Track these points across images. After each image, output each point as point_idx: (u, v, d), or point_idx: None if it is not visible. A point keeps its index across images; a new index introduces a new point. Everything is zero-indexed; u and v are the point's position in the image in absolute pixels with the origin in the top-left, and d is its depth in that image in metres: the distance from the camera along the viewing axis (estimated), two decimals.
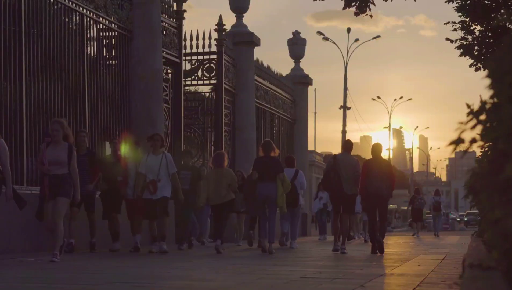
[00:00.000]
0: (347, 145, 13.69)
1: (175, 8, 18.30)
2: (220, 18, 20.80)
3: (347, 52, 45.17)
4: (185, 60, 19.45)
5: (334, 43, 44.23)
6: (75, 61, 14.25)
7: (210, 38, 20.56)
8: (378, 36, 47.46)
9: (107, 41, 15.73)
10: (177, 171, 13.15)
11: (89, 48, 15.00)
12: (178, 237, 14.50)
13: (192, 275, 7.71)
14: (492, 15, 14.00)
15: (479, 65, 15.53)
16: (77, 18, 14.49)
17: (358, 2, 13.18)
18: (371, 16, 13.32)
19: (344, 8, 13.39)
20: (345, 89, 45.56)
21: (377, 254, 12.44)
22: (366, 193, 12.71)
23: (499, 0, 14.53)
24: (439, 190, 30.79)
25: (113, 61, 16.03)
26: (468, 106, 3.01)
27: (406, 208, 59.86)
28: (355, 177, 12.91)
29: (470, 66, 15.70)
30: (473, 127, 2.94)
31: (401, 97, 65.64)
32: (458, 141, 2.91)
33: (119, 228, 12.97)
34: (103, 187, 13.04)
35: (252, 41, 22.27)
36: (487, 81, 2.90)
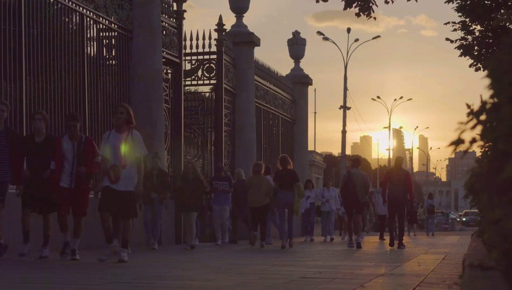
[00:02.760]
0: (356, 161, 16.49)
1: (175, 8, 18.31)
2: (220, 18, 20.81)
3: (347, 52, 45.20)
4: (185, 60, 19.46)
5: (334, 43, 44.26)
6: (75, 61, 14.26)
7: (210, 38, 20.59)
8: (378, 36, 47.46)
9: (107, 41, 15.74)
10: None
11: (89, 48, 15.01)
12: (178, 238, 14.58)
13: (192, 275, 7.71)
14: (492, 15, 14.00)
15: (479, 65, 15.52)
16: (77, 18, 14.50)
17: (359, 2, 13.15)
18: (374, 18, 13.29)
19: (345, 8, 13.38)
20: (345, 89, 45.56)
21: (393, 247, 15.43)
22: (387, 197, 15.50)
23: (499, 0, 14.52)
24: (432, 193, 32.21)
25: (113, 61, 16.04)
26: (468, 106, 3.01)
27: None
28: (366, 188, 15.80)
29: (470, 66, 15.69)
30: (473, 127, 2.94)
31: (401, 97, 65.67)
32: (458, 142, 2.91)
33: (48, 229, 10.47)
34: (26, 175, 10.23)
35: (252, 41, 22.28)
36: (487, 81, 2.90)
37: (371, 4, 13.18)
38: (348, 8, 13.35)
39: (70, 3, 14.09)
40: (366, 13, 13.17)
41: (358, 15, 13.38)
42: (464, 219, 59.53)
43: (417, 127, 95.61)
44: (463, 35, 15.46)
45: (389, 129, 68.41)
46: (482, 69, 15.52)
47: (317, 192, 21.95)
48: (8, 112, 10.41)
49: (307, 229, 21.84)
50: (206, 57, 20.72)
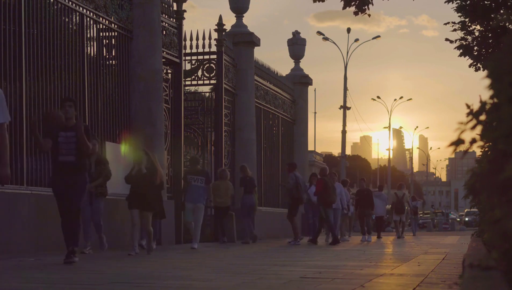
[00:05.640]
0: (292, 165, 18.99)
1: (175, 8, 18.31)
2: (220, 18, 20.81)
3: (347, 52, 45.20)
4: (185, 60, 19.46)
5: (334, 43, 44.25)
6: (75, 61, 14.26)
7: (210, 38, 20.59)
8: (378, 36, 47.47)
9: (107, 41, 15.73)
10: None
11: (89, 48, 15.00)
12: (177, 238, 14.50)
13: (192, 275, 7.72)
14: (492, 15, 14.00)
15: (479, 65, 15.52)
16: (77, 18, 14.50)
17: (357, 1, 13.18)
18: (369, 15, 13.32)
19: (344, 8, 13.40)
20: (345, 89, 45.56)
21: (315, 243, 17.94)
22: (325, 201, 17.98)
23: (499, 0, 14.52)
24: (415, 196, 32.93)
25: (113, 61, 16.03)
26: (468, 106, 3.01)
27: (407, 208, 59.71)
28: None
29: (470, 66, 15.70)
30: (473, 127, 2.94)
31: (401, 97, 65.72)
32: (458, 142, 2.91)
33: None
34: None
35: (252, 41, 22.28)
36: (487, 81, 2.91)
37: (367, 3, 13.20)
38: (347, 7, 13.37)
39: (70, 3, 14.08)
40: (361, 9, 13.19)
41: (356, 13, 13.41)
42: (466, 219, 58.69)
43: (417, 127, 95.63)
44: (462, 35, 15.47)
45: (389, 129, 68.42)
46: (482, 69, 15.53)
47: None
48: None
49: (308, 229, 20.72)
50: (206, 57, 20.72)
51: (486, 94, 2.97)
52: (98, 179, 12.33)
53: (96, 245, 12.41)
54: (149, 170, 12.11)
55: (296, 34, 28.87)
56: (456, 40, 15.53)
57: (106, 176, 12.52)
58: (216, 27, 20.67)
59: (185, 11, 18.52)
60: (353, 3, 13.26)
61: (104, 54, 15.66)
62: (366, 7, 13.19)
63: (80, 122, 9.45)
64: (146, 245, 12.31)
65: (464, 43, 15.43)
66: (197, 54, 20.59)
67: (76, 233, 9.20)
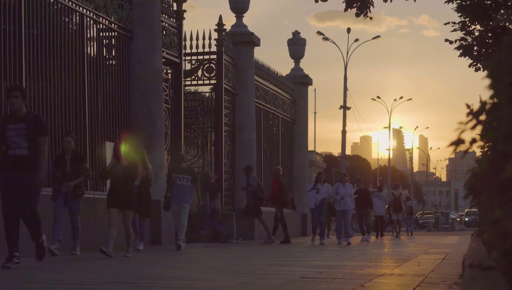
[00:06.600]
0: (248, 169, 19.22)
1: (175, 8, 18.31)
2: (220, 18, 20.81)
3: (347, 52, 45.19)
4: (185, 60, 19.47)
5: (334, 43, 44.24)
6: (75, 61, 14.26)
7: (210, 38, 20.60)
8: (378, 36, 47.46)
9: (107, 41, 15.74)
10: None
11: (89, 48, 15.01)
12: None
13: (192, 275, 7.72)
14: (493, 15, 14.00)
15: (478, 65, 15.52)
16: (77, 18, 14.50)
17: (359, 3, 13.20)
18: (370, 18, 13.37)
19: (346, 9, 13.43)
20: (345, 89, 45.55)
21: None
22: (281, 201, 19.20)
23: (499, 0, 14.52)
24: (410, 197, 33.19)
25: (113, 61, 16.04)
26: (468, 106, 3.01)
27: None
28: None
29: (470, 66, 15.70)
30: (473, 127, 2.94)
31: (401, 97, 65.69)
32: (458, 142, 2.91)
33: None
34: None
35: (252, 41, 22.28)
36: (487, 81, 2.91)
37: (368, 5, 13.24)
38: (349, 9, 13.39)
39: (70, 3, 14.09)
40: (363, 12, 13.24)
41: (357, 15, 13.45)
42: (466, 219, 58.55)
43: (417, 127, 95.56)
44: (462, 35, 15.47)
45: (389, 129, 68.41)
46: (482, 69, 15.52)
47: (329, 188, 18.92)
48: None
49: (315, 230, 19.51)
50: (206, 57, 20.73)
51: (486, 94, 2.97)
52: (76, 179, 11.47)
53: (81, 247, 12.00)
54: (130, 165, 11.24)
55: (296, 34, 28.87)
56: (456, 41, 15.53)
57: (88, 175, 11.83)
58: (216, 27, 20.67)
59: (185, 11, 18.53)
60: (355, 5, 13.29)
61: (104, 54, 15.67)
62: (367, 9, 13.22)
63: (32, 113, 8.65)
64: (126, 247, 11.26)
65: (464, 43, 15.43)
66: (197, 54, 20.60)
67: (37, 229, 8.44)
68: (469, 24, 15.29)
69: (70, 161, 11.46)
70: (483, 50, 15.35)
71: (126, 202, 10.99)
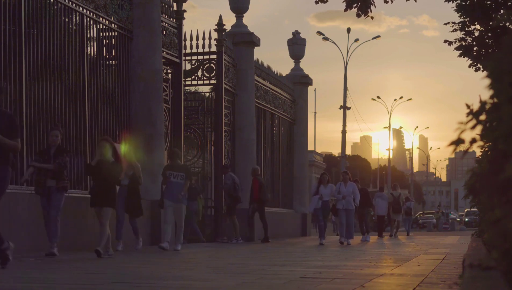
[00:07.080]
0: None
1: (175, 8, 18.31)
2: (220, 18, 20.81)
3: (347, 52, 45.19)
4: (185, 60, 19.46)
5: (334, 43, 44.24)
6: (75, 61, 14.26)
7: (210, 38, 20.59)
8: (378, 36, 47.46)
9: (107, 41, 15.74)
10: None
11: (89, 48, 15.01)
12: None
13: (192, 275, 7.72)
14: (493, 15, 14.00)
15: (478, 65, 15.53)
16: (77, 18, 14.50)
17: (359, 3, 13.21)
18: (372, 17, 13.38)
19: (346, 10, 13.44)
20: (345, 89, 45.55)
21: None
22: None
23: (499, 0, 14.52)
24: (409, 197, 33.28)
25: (113, 61, 16.04)
26: (468, 106, 3.01)
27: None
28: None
29: (470, 66, 15.70)
30: (473, 127, 2.94)
31: (401, 97, 65.70)
32: (458, 142, 2.91)
33: None
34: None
35: (252, 41, 22.28)
36: (487, 81, 2.91)
37: (370, 5, 13.25)
38: (349, 9, 13.40)
39: (70, 3, 14.09)
40: (364, 12, 13.25)
41: (358, 15, 13.45)
42: (466, 219, 58.31)
43: (417, 127, 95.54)
44: (462, 35, 15.47)
45: (389, 129, 68.41)
46: (481, 69, 15.53)
47: (333, 189, 18.54)
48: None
49: (322, 231, 18.78)
50: (206, 57, 20.72)
51: (486, 94, 2.97)
52: (61, 175, 11.02)
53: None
54: (113, 163, 11.01)
55: (296, 34, 28.86)
56: (455, 41, 15.53)
57: (65, 167, 11.09)
58: (216, 27, 20.67)
59: (185, 11, 18.52)
60: (355, 5, 13.30)
61: (104, 54, 15.67)
62: (368, 9, 13.23)
63: (6, 112, 8.22)
64: (102, 247, 10.78)
65: (464, 44, 15.43)
66: (197, 54, 20.60)
67: None
68: (469, 24, 15.29)
69: (53, 155, 11.03)
70: (483, 50, 15.36)
71: (105, 199, 10.81)
